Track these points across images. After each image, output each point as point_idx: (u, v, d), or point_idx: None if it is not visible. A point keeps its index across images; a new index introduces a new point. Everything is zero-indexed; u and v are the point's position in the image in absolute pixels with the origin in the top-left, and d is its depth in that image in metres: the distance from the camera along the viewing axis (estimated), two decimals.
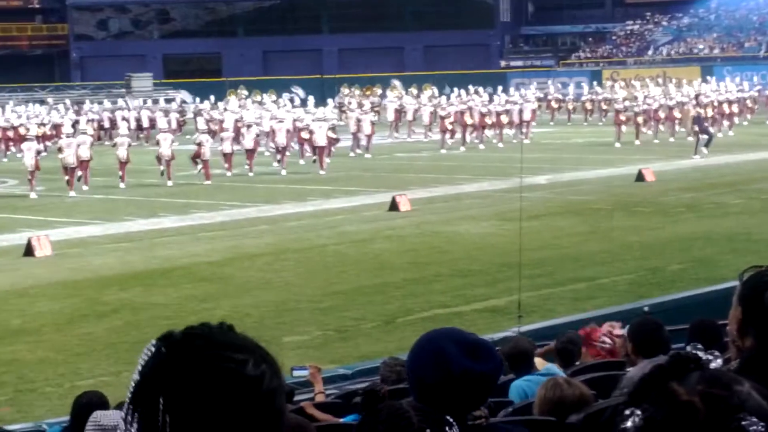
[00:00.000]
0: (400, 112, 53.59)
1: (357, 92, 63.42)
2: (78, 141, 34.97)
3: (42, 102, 62.36)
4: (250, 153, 37.85)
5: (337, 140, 40.27)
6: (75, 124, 46.00)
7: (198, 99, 62.11)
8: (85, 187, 33.78)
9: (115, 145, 36.34)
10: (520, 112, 48.65)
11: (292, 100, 51.83)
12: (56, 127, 47.49)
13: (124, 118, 52.00)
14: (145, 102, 58.52)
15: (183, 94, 68.22)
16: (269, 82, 71.02)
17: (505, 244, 21.29)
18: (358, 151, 43.35)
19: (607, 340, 9.13)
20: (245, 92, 62.75)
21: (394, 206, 27.28)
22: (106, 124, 54.22)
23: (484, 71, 75.83)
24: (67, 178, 33.30)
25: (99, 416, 5.99)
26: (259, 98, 58.13)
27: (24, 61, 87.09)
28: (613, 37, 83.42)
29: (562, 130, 52.95)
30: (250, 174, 36.77)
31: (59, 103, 58.96)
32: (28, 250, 22.13)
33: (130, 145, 36.32)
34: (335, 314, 16.65)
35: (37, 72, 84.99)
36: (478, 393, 3.15)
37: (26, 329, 16.34)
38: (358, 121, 44.11)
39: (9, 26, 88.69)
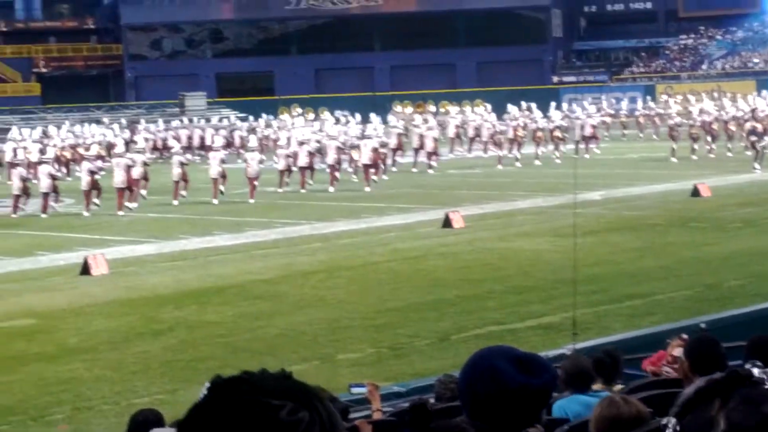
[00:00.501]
0: (459, 128, 53.65)
1: (407, 109, 63.56)
2: (126, 161, 34.96)
3: (98, 122, 63.03)
4: (302, 170, 38.02)
5: (384, 157, 40.40)
6: (129, 143, 46.48)
7: (252, 117, 62.47)
8: (133, 204, 33.83)
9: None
10: (581, 127, 48.58)
11: (352, 116, 52.17)
12: (110, 146, 48.01)
13: (188, 137, 52.55)
14: (207, 120, 59.15)
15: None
16: (321, 100, 71.29)
17: (559, 260, 21.17)
18: (414, 170, 43.40)
19: (669, 369, 9.01)
20: (299, 110, 63.00)
21: (447, 223, 27.24)
22: (170, 143, 54.23)
23: (536, 87, 75.64)
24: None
25: None
26: (311, 116, 58.41)
27: (79, 81, 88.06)
28: (667, 52, 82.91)
29: (616, 146, 52.65)
30: (302, 191, 36.89)
31: (114, 123, 59.52)
32: (85, 269, 22.33)
33: (182, 164, 36.47)
34: (389, 331, 16.62)
35: (93, 92, 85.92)
36: (533, 408, 3.14)
37: (83, 347, 16.46)
38: (421, 137, 44.18)
39: (65, 46, 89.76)
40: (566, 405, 7.72)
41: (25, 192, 34.45)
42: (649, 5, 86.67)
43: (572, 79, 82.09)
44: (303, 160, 38.24)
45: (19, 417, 13.11)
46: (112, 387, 14.19)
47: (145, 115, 70.23)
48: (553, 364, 8.83)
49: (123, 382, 14.39)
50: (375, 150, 38.51)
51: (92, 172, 34.12)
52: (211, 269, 22.77)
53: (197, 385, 14.05)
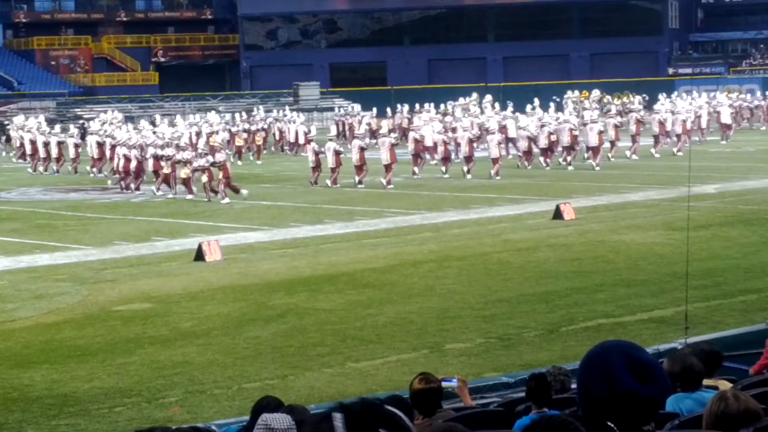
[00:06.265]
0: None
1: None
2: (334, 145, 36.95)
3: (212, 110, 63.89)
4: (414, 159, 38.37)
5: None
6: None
7: (359, 107, 62.58)
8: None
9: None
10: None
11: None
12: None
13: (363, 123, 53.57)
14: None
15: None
16: (433, 91, 71.24)
17: (672, 253, 20.94)
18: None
19: None
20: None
21: (558, 214, 27.07)
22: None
23: (651, 78, 74.65)
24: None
25: (267, 419, 6.08)
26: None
27: (196, 71, 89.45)
28: None
29: (734, 138, 51.59)
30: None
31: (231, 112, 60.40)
32: (199, 255, 22.69)
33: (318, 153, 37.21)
34: (498, 322, 16.60)
35: (209, 81, 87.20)
36: (640, 414, 3.11)
37: (196, 332, 16.74)
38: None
39: (183, 36, 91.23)
40: (678, 401, 7.64)
41: (319, 164, 36.76)
42: None
43: (688, 71, 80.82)
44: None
45: (133, 399, 13.37)
46: (224, 371, 14.40)
47: (260, 104, 71.03)
48: (661, 360, 8.77)
49: (234, 367, 14.60)
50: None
51: (362, 149, 36.57)
52: (322, 257, 22.96)
53: (307, 371, 14.24)
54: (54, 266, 22.83)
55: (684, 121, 45.69)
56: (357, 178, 36.36)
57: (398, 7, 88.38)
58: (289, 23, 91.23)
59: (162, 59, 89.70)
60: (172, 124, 50.48)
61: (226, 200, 32.84)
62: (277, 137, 53.45)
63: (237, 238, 25.70)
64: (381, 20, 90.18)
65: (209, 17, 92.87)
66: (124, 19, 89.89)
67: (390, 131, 39.25)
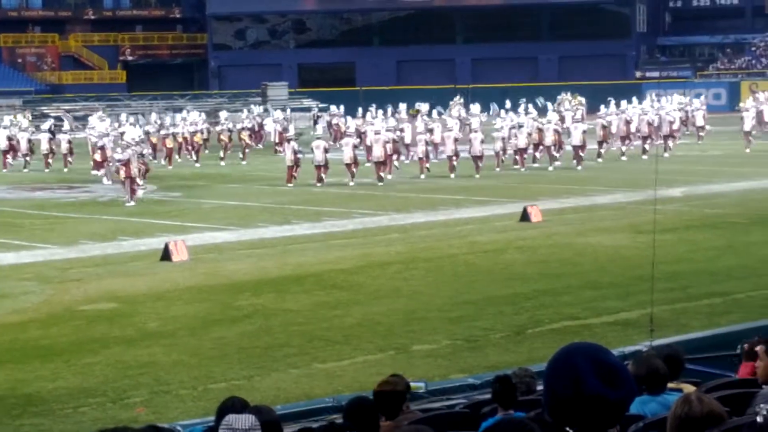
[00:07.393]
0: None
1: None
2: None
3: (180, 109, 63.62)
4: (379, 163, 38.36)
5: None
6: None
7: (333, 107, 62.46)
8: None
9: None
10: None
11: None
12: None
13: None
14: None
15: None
16: (402, 92, 71.25)
17: (638, 256, 21.02)
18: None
19: None
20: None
21: (525, 217, 27.15)
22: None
23: (618, 82, 74.97)
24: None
25: (231, 420, 6.06)
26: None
27: (164, 70, 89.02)
28: (753, 48, 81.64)
29: (698, 142, 51.85)
30: (379, 184, 36.96)
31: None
32: (166, 255, 22.59)
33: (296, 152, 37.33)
34: (465, 324, 16.63)
35: (177, 80, 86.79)
36: (606, 417, 3.10)
37: (162, 332, 16.68)
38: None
39: (151, 35, 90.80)
40: (643, 403, 7.66)
41: (297, 164, 37.05)
42: (735, 0, 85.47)
43: (655, 74, 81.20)
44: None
45: (98, 399, 13.32)
46: (190, 372, 14.37)
47: (228, 104, 70.81)
48: (626, 362, 8.81)
49: (200, 367, 14.56)
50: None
51: (354, 147, 37.92)
52: (289, 258, 22.93)
53: (273, 372, 14.21)
54: (19, 265, 22.69)
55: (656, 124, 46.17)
56: (349, 176, 37.02)
57: (367, 8, 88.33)
58: (258, 23, 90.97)
59: (130, 58, 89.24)
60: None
61: (131, 203, 32.56)
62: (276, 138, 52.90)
63: (204, 238, 25.62)
64: (350, 21, 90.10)
65: (177, 16, 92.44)
66: (92, 17, 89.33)
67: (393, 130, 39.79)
